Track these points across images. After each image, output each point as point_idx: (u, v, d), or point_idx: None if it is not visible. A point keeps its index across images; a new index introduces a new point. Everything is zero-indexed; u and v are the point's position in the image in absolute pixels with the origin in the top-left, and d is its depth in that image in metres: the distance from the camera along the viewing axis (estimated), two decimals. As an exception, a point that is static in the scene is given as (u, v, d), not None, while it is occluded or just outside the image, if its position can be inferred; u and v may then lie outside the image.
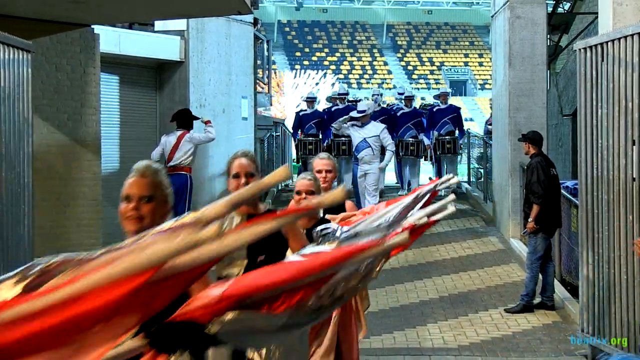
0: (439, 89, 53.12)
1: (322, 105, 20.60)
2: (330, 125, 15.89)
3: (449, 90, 17.70)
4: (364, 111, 13.63)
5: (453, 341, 8.20)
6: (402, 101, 17.22)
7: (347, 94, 17.36)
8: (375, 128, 13.63)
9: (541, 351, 7.88)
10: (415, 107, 17.03)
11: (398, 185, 17.71)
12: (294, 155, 18.18)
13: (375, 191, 13.41)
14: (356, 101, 17.25)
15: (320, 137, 16.56)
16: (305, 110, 16.93)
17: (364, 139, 13.49)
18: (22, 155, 7.52)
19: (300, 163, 17.18)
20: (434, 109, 16.77)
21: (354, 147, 13.76)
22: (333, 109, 16.79)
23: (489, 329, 8.60)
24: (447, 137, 16.32)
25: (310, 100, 16.99)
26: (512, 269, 11.08)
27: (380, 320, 8.97)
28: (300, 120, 16.76)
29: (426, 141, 16.47)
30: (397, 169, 17.67)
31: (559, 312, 9.16)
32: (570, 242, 10.22)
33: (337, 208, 5.38)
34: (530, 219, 9.19)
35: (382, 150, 14.21)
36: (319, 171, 6.12)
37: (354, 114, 13.79)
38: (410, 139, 16.20)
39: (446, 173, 16.04)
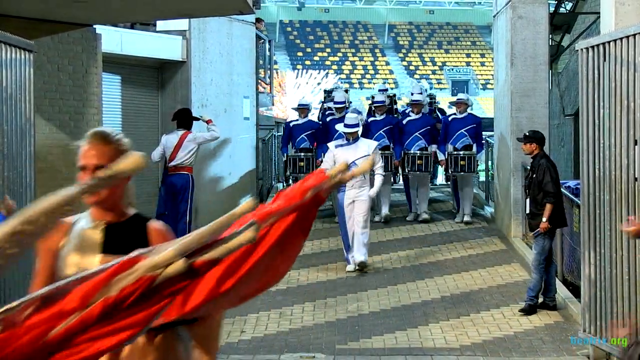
0: (440, 89, 53.17)
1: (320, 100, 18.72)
2: (326, 136, 13.90)
3: (467, 96, 14.81)
4: (356, 125, 11.04)
5: (455, 341, 8.19)
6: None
7: (344, 102, 14.28)
8: (367, 146, 10.98)
9: (543, 351, 7.88)
10: (424, 114, 14.47)
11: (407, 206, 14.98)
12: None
13: (366, 223, 10.99)
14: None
15: (314, 151, 14.31)
16: (297, 120, 14.72)
17: (353, 162, 10.49)
18: (24, 155, 7.53)
19: (290, 183, 14.39)
20: (449, 118, 14.26)
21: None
22: (328, 118, 14.47)
23: (490, 329, 8.60)
24: (462, 153, 13.76)
25: (303, 109, 14.70)
26: (514, 268, 11.07)
27: (382, 320, 8.97)
28: (291, 131, 14.51)
29: (440, 156, 14.06)
30: (405, 190, 14.94)
31: (561, 312, 9.16)
32: (572, 242, 10.22)
33: (138, 232, 3.31)
34: (544, 219, 9.03)
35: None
36: (83, 167, 3.39)
37: (340, 127, 11.39)
38: (417, 152, 13.89)
39: (460, 195, 14.19)
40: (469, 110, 14.38)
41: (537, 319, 8.89)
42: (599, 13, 10.58)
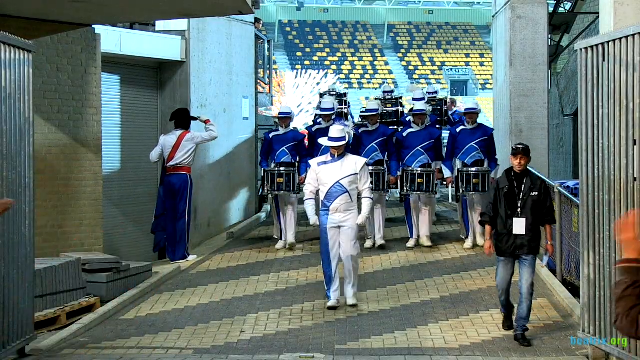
0: (440, 89, 53.19)
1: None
2: (310, 149, 12.56)
3: (477, 104, 12.80)
4: (341, 138, 9.34)
5: (454, 341, 8.19)
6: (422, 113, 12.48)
7: (332, 109, 12.76)
8: (355, 164, 9.34)
9: (542, 351, 7.87)
10: (428, 125, 12.60)
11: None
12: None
13: (355, 252, 9.38)
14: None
15: (297, 166, 12.58)
16: (277, 130, 12.82)
17: (338, 182, 9.22)
18: (23, 155, 7.53)
19: (268, 202, 13.17)
20: (457, 130, 12.34)
21: (324, 195, 9.30)
22: (314, 128, 12.95)
23: (490, 328, 8.60)
24: (473, 169, 11.95)
25: (284, 118, 12.71)
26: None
27: (381, 320, 8.97)
28: (271, 144, 12.67)
29: (446, 173, 12.33)
30: (406, 212, 12.82)
31: (560, 312, 9.16)
32: (571, 242, 10.22)
33: None
34: (550, 242, 8.41)
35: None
36: None
37: (324, 141, 9.63)
38: (419, 169, 12.09)
39: (470, 217, 12.31)
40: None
41: (536, 319, 8.89)
42: (598, 13, 10.60)
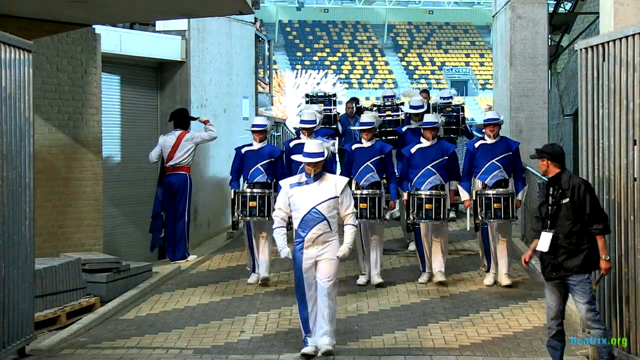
0: (440, 89, 53.19)
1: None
2: (288, 167, 10.74)
3: (499, 115, 10.61)
4: (319, 154, 7.79)
5: (454, 341, 8.19)
6: (423, 128, 10.56)
7: (314, 122, 10.72)
8: (334, 185, 7.80)
9: (542, 351, 7.87)
10: (440, 139, 10.78)
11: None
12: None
13: (332, 292, 7.74)
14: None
15: (273, 187, 10.54)
16: (250, 145, 10.84)
17: (314, 207, 7.67)
18: (23, 155, 7.53)
19: (238, 228, 11.45)
20: (476, 145, 10.43)
21: (298, 223, 7.74)
22: (292, 143, 11.19)
23: (490, 328, 8.60)
24: (494, 192, 10.03)
25: (259, 131, 10.74)
26: (514, 268, 11.04)
27: (381, 320, 8.97)
28: (242, 160, 10.80)
29: (464, 195, 10.44)
30: (416, 243, 11.06)
31: (560, 312, 9.15)
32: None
33: None
34: (604, 256, 6.83)
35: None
36: None
37: (298, 158, 8.00)
38: (428, 192, 10.20)
39: (493, 250, 10.42)
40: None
41: (536, 318, 8.89)
42: (598, 13, 10.60)
